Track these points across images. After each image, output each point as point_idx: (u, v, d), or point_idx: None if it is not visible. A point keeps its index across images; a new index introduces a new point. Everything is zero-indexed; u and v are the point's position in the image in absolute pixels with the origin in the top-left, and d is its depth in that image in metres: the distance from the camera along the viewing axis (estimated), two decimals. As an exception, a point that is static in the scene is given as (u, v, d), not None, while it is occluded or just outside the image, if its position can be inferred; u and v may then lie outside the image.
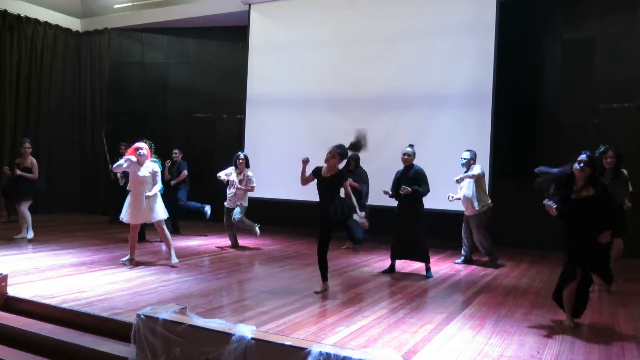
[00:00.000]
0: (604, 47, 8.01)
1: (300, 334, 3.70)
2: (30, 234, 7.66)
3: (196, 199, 8.87)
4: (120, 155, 9.26)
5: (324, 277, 5.12)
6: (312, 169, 5.20)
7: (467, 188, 6.79)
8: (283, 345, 2.98)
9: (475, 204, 6.70)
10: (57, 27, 11.38)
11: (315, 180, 5.19)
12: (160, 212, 6.19)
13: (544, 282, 5.91)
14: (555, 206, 4.18)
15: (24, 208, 7.66)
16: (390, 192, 6.15)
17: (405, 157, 6.12)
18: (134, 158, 6.08)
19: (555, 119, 8.35)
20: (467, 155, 6.87)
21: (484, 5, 8.07)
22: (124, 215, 6.10)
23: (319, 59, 9.21)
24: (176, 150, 9.08)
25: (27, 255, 6.52)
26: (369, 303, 4.72)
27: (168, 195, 8.57)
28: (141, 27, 11.26)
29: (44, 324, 4.20)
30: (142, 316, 3.46)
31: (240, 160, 7.59)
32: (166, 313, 3.46)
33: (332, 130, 8.96)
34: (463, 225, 7.02)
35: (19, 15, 10.62)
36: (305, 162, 5.19)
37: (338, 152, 5.04)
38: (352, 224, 5.02)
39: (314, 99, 9.24)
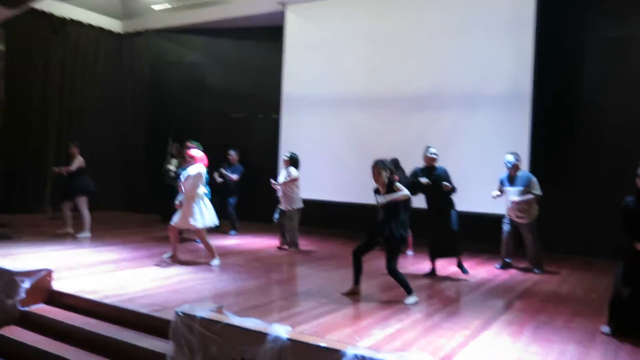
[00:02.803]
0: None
1: (334, 335, 3.70)
2: (88, 233, 7.86)
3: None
4: (172, 156, 9.44)
5: (356, 280, 5.09)
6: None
7: (511, 194, 6.59)
8: (318, 346, 3.00)
9: (528, 213, 6.53)
10: (99, 29, 11.74)
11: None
12: (200, 219, 6.18)
13: (586, 289, 5.73)
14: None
15: (83, 207, 7.89)
16: (423, 181, 6.03)
17: (435, 157, 6.13)
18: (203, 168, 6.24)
19: (596, 120, 8.05)
20: (512, 158, 6.64)
21: (522, 1, 7.87)
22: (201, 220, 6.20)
23: (354, 59, 9.19)
24: (232, 152, 9.10)
25: (71, 251, 6.74)
26: (403, 306, 4.68)
27: (216, 196, 8.75)
28: (179, 28, 11.48)
29: (87, 318, 4.35)
30: (180, 314, 3.53)
31: (285, 159, 7.64)
32: (203, 311, 3.52)
33: (368, 130, 8.98)
34: (506, 229, 6.80)
35: (63, 17, 10.99)
36: None
37: (380, 167, 4.94)
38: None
39: (349, 99, 9.22)
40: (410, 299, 4.79)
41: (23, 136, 10.43)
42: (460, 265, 6.11)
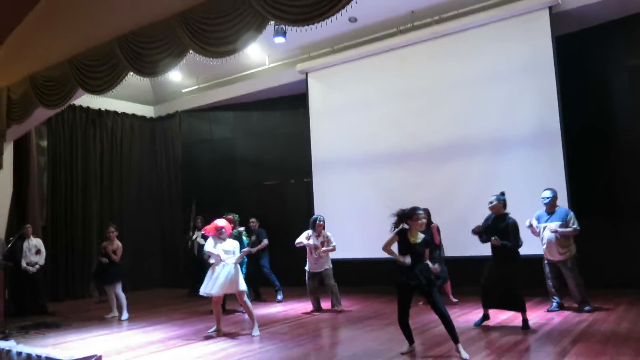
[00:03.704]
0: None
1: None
2: (125, 315, 7.97)
3: (274, 265, 9.07)
4: (197, 229, 9.74)
5: (410, 340, 4.97)
6: (397, 230, 5.03)
7: (548, 231, 6.47)
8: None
9: (565, 249, 6.36)
10: (133, 116, 12.41)
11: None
12: (242, 283, 6.28)
13: (646, 325, 5.43)
14: None
15: (119, 291, 8.05)
16: (480, 231, 5.95)
17: (489, 205, 6.02)
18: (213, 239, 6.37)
19: (632, 149, 7.90)
20: (548, 194, 6.57)
21: (539, 44, 7.93)
22: (206, 288, 6.26)
23: (378, 117, 9.38)
24: (253, 219, 9.30)
25: (118, 334, 6.82)
26: (457, 361, 4.51)
27: (250, 265, 8.81)
28: (208, 106, 12.00)
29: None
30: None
31: (320, 222, 7.69)
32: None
33: (398, 185, 9.00)
34: (548, 270, 6.63)
35: (99, 109, 11.68)
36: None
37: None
38: (434, 293, 4.89)
39: (377, 156, 9.33)
40: (465, 354, 4.61)
41: (67, 226, 10.86)
42: (524, 321, 5.75)
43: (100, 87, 7.26)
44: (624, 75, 8.13)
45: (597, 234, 7.46)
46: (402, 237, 4.97)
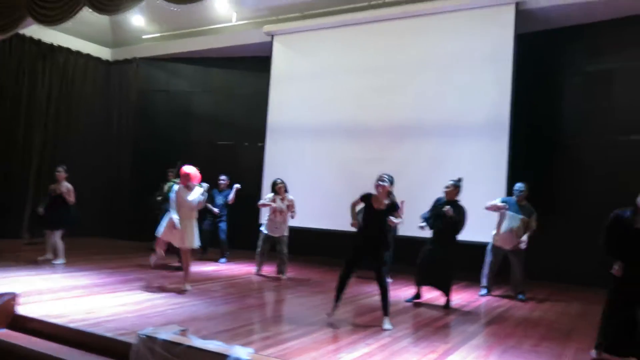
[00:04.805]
0: (623, 80, 7.94)
1: (300, 359, 3.68)
2: (62, 260, 7.68)
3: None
4: (167, 182, 9.37)
5: (337, 299, 5.07)
6: (362, 194, 5.14)
7: (512, 220, 6.60)
8: (276, 368, 2.97)
9: (521, 239, 6.54)
10: (88, 55, 11.86)
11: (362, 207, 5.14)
12: (192, 240, 6.17)
13: (557, 314, 5.78)
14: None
15: (58, 238, 7.71)
16: (427, 224, 6.07)
17: (445, 189, 6.11)
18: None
19: (574, 151, 8.24)
20: (522, 186, 6.69)
21: (502, 37, 8.08)
22: (162, 230, 6.15)
23: (339, 89, 9.35)
24: (223, 177, 9.05)
25: (43, 276, 6.63)
26: (374, 331, 4.66)
27: (212, 222, 8.75)
28: (168, 56, 11.63)
29: (50, 343, 4.25)
30: (142, 336, 3.49)
31: (279, 184, 7.59)
32: (166, 334, 3.49)
33: (351, 158, 9.07)
34: (492, 257, 6.80)
35: (51, 44, 11.12)
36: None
37: (384, 178, 5.07)
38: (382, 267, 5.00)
39: (332, 128, 9.34)
40: (388, 324, 4.78)
41: (5, 160, 10.39)
42: (447, 302, 5.99)
43: (51, 19, 6.88)
44: (579, 80, 8.40)
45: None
46: (365, 201, 5.05)
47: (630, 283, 3.90)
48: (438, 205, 6.09)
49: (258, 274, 7.69)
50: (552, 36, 8.50)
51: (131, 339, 3.82)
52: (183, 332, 3.64)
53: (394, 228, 7.27)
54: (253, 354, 3.20)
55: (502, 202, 6.74)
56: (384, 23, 9.07)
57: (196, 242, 6.21)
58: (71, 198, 7.77)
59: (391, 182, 5.09)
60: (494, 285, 6.91)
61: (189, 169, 6.22)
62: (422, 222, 6.15)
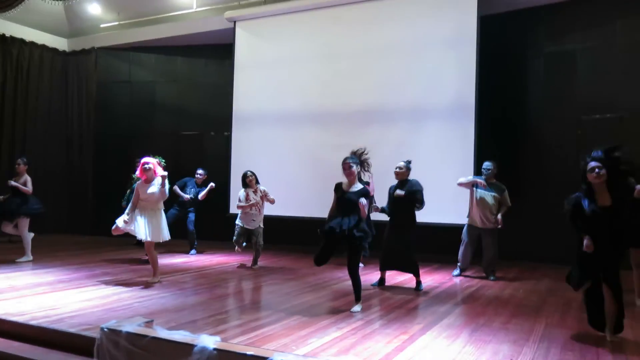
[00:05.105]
0: (584, 60, 8.09)
1: (271, 345, 3.61)
2: (28, 257, 7.46)
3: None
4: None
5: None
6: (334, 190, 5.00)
7: (484, 198, 6.61)
8: (245, 355, 2.92)
9: (495, 217, 6.57)
10: (43, 47, 11.42)
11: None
12: (157, 234, 5.95)
13: (527, 292, 5.86)
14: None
15: (24, 230, 7.47)
16: (384, 208, 6.05)
17: (397, 170, 6.08)
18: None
19: (538, 132, 8.38)
20: (490, 165, 6.74)
21: (464, 20, 8.12)
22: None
23: (304, 75, 9.25)
24: (200, 171, 8.80)
25: (5, 274, 6.39)
26: (345, 315, 4.63)
27: (179, 212, 8.56)
28: (128, 45, 11.31)
29: (11, 341, 4.10)
30: (106, 329, 3.38)
31: (249, 177, 7.40)
32: (130, 326, 3.38)
33: (318, 145, 9.00)
34: (467, 237, 6.84)
35: (3, 35, 10.66)
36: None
37: (348, 161, 4.93)
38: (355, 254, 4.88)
39: (299, 115, 9.25)
40: (357, 308, 4.77)
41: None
42: (418, 284, 5.98)
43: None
44: (541, 61, 8.50)
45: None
46: (337, 188, 4.96)
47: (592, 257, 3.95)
48: (391, 191, 6.10)
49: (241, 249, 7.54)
50: (514, 17, 8.58)
51: (95, 334, 3.70)
52: (148, 324, 3.54)
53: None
54: (220, 342, 3.12)
55: (474, 177, 6.79)
56: (348, 7, 9.00)
57: (162, 236, 5.99)
58: (29, 187, 7.50)
59: (357, 163, 4.99)
60: (469, 265, 6.96)
61: (146, 162, 6.00)
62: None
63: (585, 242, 3.89)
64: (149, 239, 5.87)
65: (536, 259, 7.93)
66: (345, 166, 4.96)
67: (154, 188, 5.89)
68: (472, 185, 6.73)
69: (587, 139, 7.72)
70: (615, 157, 3.87)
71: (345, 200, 4.87)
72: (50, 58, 11.62)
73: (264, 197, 7.40)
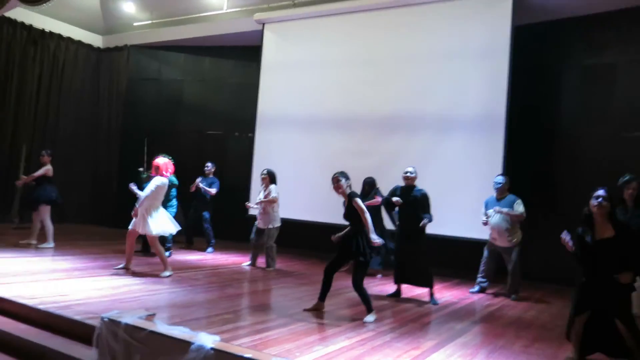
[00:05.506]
0: (625, 74, 7.72)
1: (274, 350, 3.47)
2: (51, 244, 7.59)
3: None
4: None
5: (322, 297, 4.89)
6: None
7: (501, 218, 6.30)
8: (242, 357, 2.79)
9: (513, 236, 6.30)
10: (79, 42, 11.64)
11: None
12: (154, 227, 6.02)
13: (552, 315, 5.52)
14: (571, 242, 3.86)
15: (46, 217, 7.60)
16: (393, 200, 5.89)
17: (408, 174, 5.94)
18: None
19: (573, 146, 8.00)
20: (501, 179, 6.49)
21: (498, 30, 7.85)
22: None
23: (330, 79, 9.12)
24: (209, 164, 8.87)
25: (24, 259, 6.45)
26: (356, 325, 4.45)
27: (195, 211, 8.64)
28: (159, 44, 11.42)
29: (18, 324, 4.10)
30: (106, 319, 3.30)
31: (263, 176, 7.40)
32: (130, 318, 3.29)
33: (341, 150, 8.83)
34: (488, 252, 6.55)
35: (43, 30, 10.90)
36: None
37: (338, 176, 4.89)
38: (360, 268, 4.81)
39: (322, 119, 9.12)
40: (369, 318, 4.60)
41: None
42: (431, 296, 5.77)
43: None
44: (577, 74, 8.17)
45: (528, 224, 7.53)
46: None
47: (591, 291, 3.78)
48: (397, 194, 5.95)
49: (252, 265, 7.44)
50: (549, 28, 8.27)
51: (95, 322, 3.63)
52: (149, 317, 3.46)
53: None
54: (219, 342, 3.00)
55: (485, 203, 6.53)
56: (377, 12, 8.83)
57: (155, 230, 6.03)
58: (38, 173, 7.66)
59: (346, 177, 4.94)
60: (489, 283, 6.66)
61: (157, 161, 6.27)
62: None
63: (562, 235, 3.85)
64: (144, 232, 6.04)
65: (566, 281, 7.50)
66: (333, 180, 4.92)
67: (149, 187, 6.09)
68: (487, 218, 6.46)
69: (625, 156, 7.32)
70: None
71: (346, 212, 4.91)
72: (85, 54, 11.83)
73: (266, 197, 7.29)
